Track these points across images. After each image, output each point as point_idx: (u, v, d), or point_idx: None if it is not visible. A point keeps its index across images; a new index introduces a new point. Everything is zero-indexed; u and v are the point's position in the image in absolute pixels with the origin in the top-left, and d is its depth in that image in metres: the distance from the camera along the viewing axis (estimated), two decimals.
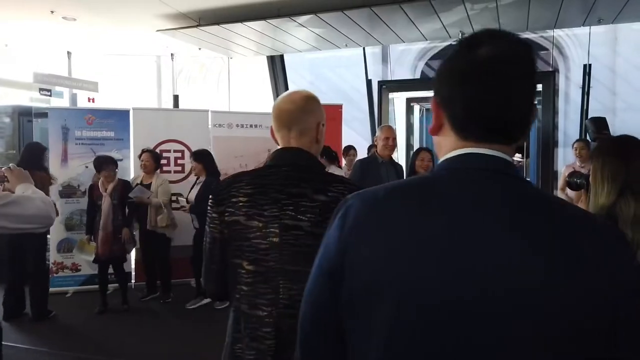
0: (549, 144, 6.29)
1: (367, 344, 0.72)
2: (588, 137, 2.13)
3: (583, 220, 0.71)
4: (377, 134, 4.06)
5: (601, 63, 7.53)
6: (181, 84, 7.97)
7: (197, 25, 5.92)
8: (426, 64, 8.19)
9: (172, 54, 7.53)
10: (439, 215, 0.70)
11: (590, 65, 6.71)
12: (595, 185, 1.82)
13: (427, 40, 6.53)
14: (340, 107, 6.74)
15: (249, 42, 6.92)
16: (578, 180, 2.33)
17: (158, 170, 5.29)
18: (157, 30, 6.04)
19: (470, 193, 0.71)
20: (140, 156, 5.31)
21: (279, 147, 1.44)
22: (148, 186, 5.24)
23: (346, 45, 6.84)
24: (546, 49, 8.62)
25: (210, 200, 1.38)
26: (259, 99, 8.11)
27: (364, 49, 7.38)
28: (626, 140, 1.83)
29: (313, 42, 6.79)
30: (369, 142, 8.54)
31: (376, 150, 4.10)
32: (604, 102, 7.74)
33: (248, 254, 1.30)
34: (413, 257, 0.69)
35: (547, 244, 0.65)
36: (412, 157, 4.13)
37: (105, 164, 4.88)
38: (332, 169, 5.43)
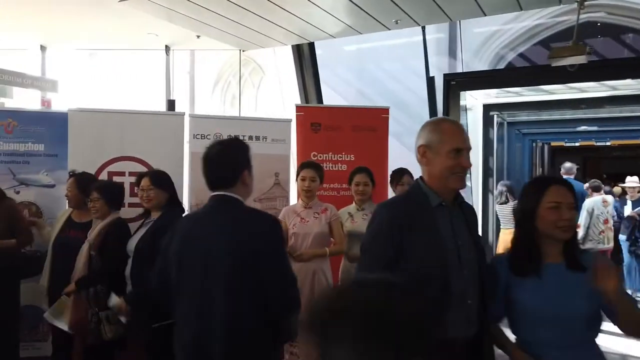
0: None
1: None
2: None
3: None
4: (428, 139, 1.80)
5: None
6: (183, 85, 6.14)
7: None
8: (519, 54, 5.73)
9: (166, 46, 5.73)
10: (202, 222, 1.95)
11: None
12: None
13: (521, 7, 4.22)
14: (385, 111, 4.55)
15: (266, 25, 4.94)
16: None
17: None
18: (120, 0, 4.21)
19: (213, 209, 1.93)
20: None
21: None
22: (82, 227, 3.35)
23: (397, 23, 4.67)
24: None
25: None
26: (278, 104, 6.11)
27: (423, 30, 5.16)
28: None
29: (348, 19, 4.69)
30: None
31: (423, 180, 1.84)
32: None
33: None
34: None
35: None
36: None
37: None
38: None
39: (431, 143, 1.74)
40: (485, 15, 4.43)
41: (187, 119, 4.02)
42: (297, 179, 3.51)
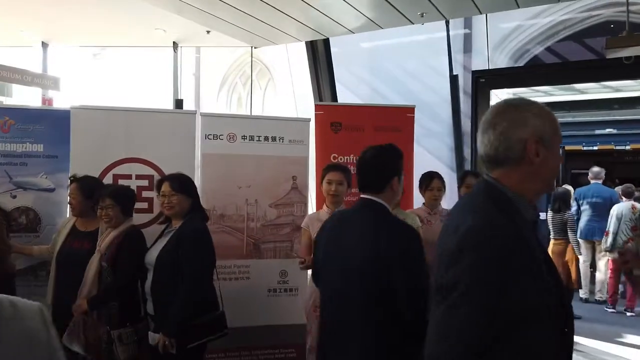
0: None
1: None
2: None
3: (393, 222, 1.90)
4: (540, 130, 1.21)
5: None
6: (189, 86, 5.85)
7: None
8: (547, 48, 5.45)
9: (174, 43, 5.43)
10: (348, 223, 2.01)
11: None
12: None
13: None
14: (411, 110, 4.26)
15: (279, 18, 4.65)
16: None
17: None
18: None
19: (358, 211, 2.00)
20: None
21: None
22: (88, 236, 3.05)
23: (422, 16, 4.37)
24: None
25: None
26: (286, 106, 5.81)
27: (447, 25, 4.87)
28: None
29: (369, 12, 4.39)
30: (452, 169, 5.81)
31: (501, 183, 1.31)
32: None
33: None
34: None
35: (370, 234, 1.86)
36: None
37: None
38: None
39: (545, 135, 1.23)
40: (519, 7, 4.12)
41: (198, 118, 3.71)
42: (321, 183, 3.19)
